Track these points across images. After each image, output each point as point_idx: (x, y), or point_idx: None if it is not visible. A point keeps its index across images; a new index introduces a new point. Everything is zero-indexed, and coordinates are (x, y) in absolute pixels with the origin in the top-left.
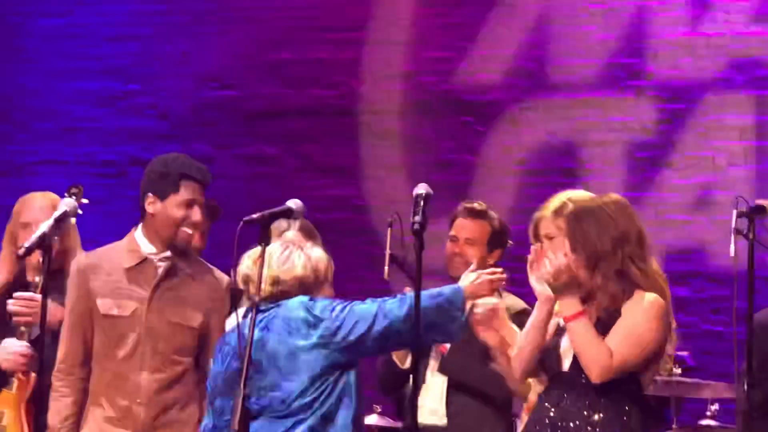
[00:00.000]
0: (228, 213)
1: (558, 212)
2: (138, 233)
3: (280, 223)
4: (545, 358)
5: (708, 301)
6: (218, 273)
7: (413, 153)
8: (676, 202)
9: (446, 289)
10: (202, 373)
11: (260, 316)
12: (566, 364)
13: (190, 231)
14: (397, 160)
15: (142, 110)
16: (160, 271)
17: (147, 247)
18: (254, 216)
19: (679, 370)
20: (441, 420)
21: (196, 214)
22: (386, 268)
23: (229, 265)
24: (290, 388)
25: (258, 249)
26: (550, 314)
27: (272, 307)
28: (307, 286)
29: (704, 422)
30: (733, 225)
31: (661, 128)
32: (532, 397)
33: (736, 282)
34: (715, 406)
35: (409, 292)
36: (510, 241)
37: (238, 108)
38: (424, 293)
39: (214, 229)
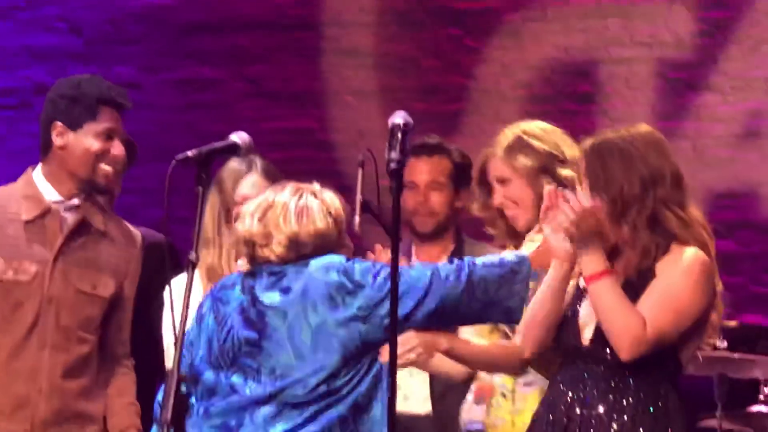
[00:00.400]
0: (157, 151)
1: (512, 149)
2: (37, 175)
3: (237, 167)
4: (560, 329)
5: (759, 257)
6: (131, 228)
7: (389, 75)
8: (719, 134)
9: (508, 256)
10: (108, 356)
11: (264, 279)
12: (587, 336)
13: (110, 168)
14: (369, 85)
15: (48, 24)
16: (68, 224)
17: (50, 194)
18: (189, 153)
19: (724, 344)
20: (424, 406)
21: (118, 147)
22: (357, 218)
23: (158, 216)
24: (314, 368)
25: (261, 200)
26: (569, 274)
27: (286, 269)
28: (329, 242)
29: (755, 408)
30: None
31: (700, 42)
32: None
33: None
34: None
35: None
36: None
37: (170, 21)
38: (480, 261)
39: (141, 173)
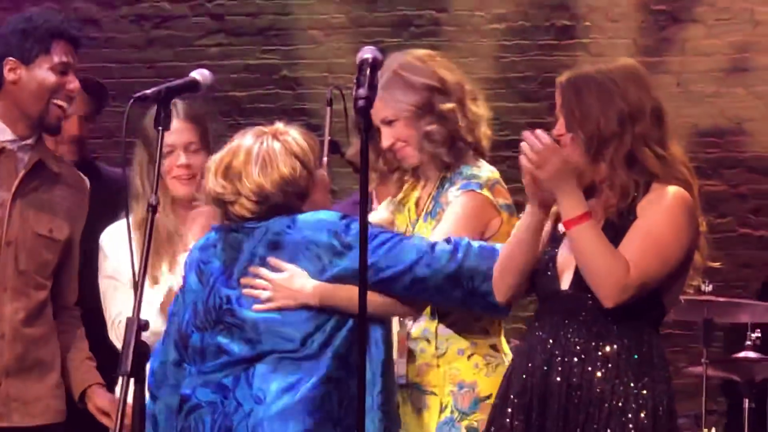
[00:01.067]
0: (116, 89)
1: (389, 88)
2: None
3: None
4: (537, 274)
5: (747, 197)
6: (79, 173)
7: (359, 8)
8: (704, 68)
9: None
10: (59, 303)
11: (251, 236)
12: (566, 282)
13: (64, 104)
14: (337, 19)
15: None
16: (23, 165)
17: (4, 133)
18: (148, 92)
19: (709, 287)
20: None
21: (73, 81)
22: (325, 158)
23: (117, 156)
24: (298, 323)
25: (223, 154)
26: (543, 219)
27: (271, 224)
28: (299, 186)
29: (742, 354)
30: None
31: None
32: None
33: None
34: (756, 334)
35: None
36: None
37: None
38: (476, 246)
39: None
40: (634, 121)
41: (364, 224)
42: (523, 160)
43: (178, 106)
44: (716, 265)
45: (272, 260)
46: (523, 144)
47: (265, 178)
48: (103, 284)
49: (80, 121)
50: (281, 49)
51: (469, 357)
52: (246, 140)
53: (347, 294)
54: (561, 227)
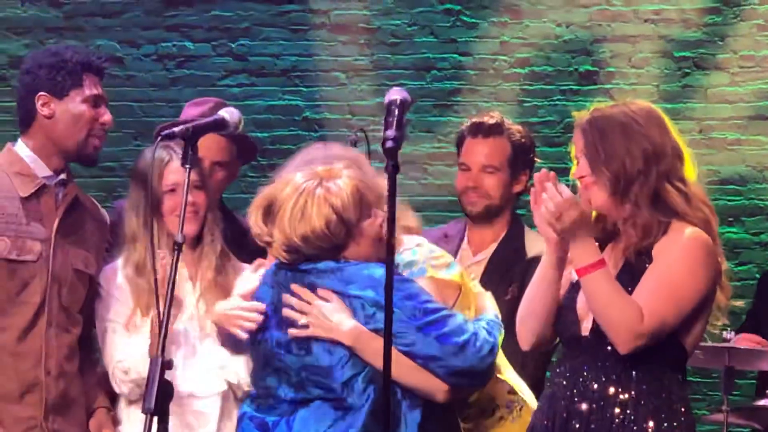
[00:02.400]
0: (138, 128)
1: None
2: (23, 149)
3: (158, 157)
4: (558, 320)
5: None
6: (98, 205)
7: (382, 51)
8: (727, 116)
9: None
10: (85, 338)
11: (291, 273)
12: (586, 327)
13: (100, 136)
14: (360, 61)
15: None
16: (62, 201)
17: (41, 169)
18: (176, 129)
19: (731, 334)
20: None
21: (106, 113)
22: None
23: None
24: (338, 369)
25: (267, 194)
26: (562, 262)
27: (320, 267)
28: (333, 240)
29: (763, 402)
30: None
31: (707, 19)
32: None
33: None
34: None
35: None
36: (537, 159)
37: None
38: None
39: (121, 151)
40: (658, 160)
41: (390, 265)
42: (540, 210)
43: (175, 148)
44: (739, 303)
45: (321, 291)
46: (544, 195)
47: (295, 231)
48: (101, 326)
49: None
50: (304, 90)
51: (492, 412)
52: (296, 179)
53: (380, 348)
54: (574, 274)
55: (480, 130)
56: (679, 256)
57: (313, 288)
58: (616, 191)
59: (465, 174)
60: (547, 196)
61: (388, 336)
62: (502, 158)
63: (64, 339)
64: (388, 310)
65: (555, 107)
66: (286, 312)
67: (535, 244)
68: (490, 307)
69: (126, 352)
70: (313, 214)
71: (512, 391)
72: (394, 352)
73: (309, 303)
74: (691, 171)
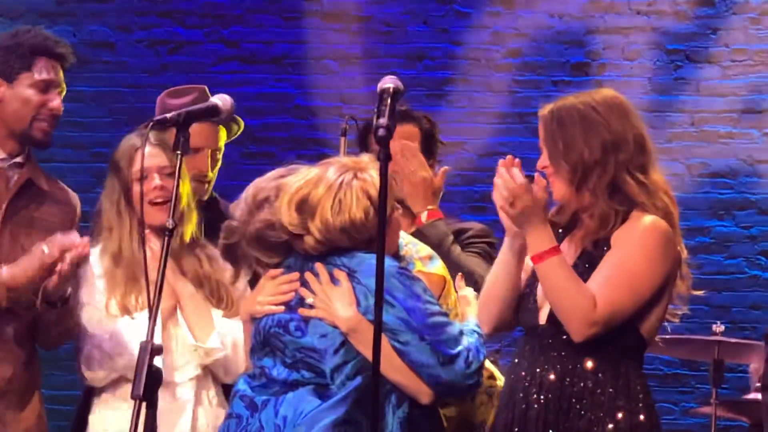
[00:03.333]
0: (129, 114)
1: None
2: None
3: (129, 144)
4: (520, 308)
5: (758, 239)
6: (69, 190)
7: (374, 40)
8: (719, 109)
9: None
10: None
11: (315, 265)
12: (543, 316)
13: (46, 122)
14: (352, 49)
15: None
16: (13, 183)
17: None
18: (168, 115)
19: (721, 328)
20: None
21: (55, 100)
22: None
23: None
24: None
25: (300, 183)
26: (523, 249)
27: (332, 258)
28: (367, 230)
29: (751, 396)
30: None
31: (699, 12)
32: None
33: None
34: None
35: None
36: (442, 142)
37: None
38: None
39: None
40: (616, 150)
41: (382, 257)
42: (495, 195)
43: (149, 135)
44: (699, 293)
45: (337, 272)
46: (496, 179)
47: (335, 220)
48: (85, 311)
49: (213, 155)
50: (295, 78)
51: (472, 398)
52: (329, 174)
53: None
54: (529, 262)
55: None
56: (636, 243)
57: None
58: (575, 181)
59: None
60: (501, 182)
61: (378, 326)
62: (415, 143)
63: (10, 321)
64: (378, 299)
65: (547, 98)
66: (302, 290)
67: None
68: (471, 315)
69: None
70: (353, 205)
71: (492, 377)
72: (387, 348)
73: (321, 284)
74: (654, 159)
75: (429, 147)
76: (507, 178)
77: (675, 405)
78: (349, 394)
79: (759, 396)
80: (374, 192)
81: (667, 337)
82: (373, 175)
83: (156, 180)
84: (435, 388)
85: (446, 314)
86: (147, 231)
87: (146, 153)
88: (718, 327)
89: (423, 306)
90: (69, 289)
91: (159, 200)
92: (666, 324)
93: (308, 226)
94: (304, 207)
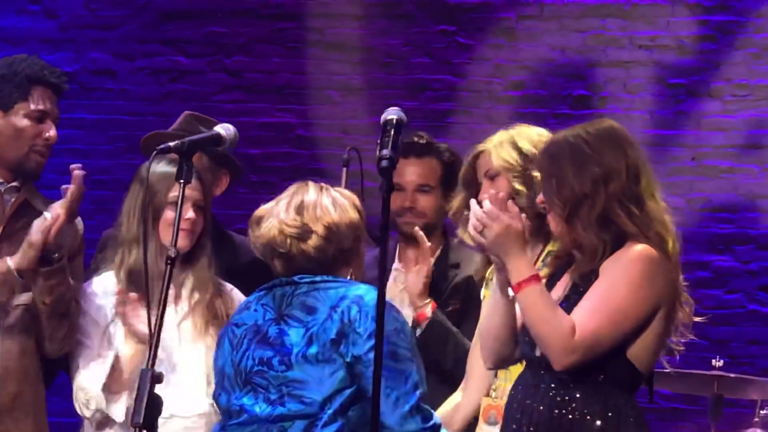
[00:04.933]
0: (130, 142)
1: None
2: None
3: (169, 170)
4: (521, 338)
5: (757, 274)
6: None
7: (376, 71)
8: (720, 143)
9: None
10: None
11: (293, 297)
12: (539, 347)
13: (42, 152)
14: (354, 80)
15: (21, 6)
16: (9, 205)
17: None
18: (171, 144)
19: (720, 362)
20: None
21: (50, 130)
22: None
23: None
24: (321, 387)
25: (288, 197)
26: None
27: (315, 287)
28: (360, 235)
29: (750, 431)
30: None
31: (701, 47)
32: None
33: None
34: (765, 411)
35: None
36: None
37: (148, 6)
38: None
39: (113, 164)
40: (607, 182)
41: (383, 287)
42: (468, 227)
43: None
44: (699, 319)
45: None
46: (470, 212)
47: (341, 218)
48: (78, 346)
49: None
50: (297, 108)
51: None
52: (310, 190)
53: None
54: (510, 292)
55: (412, 150)
56: (620, 271)
57: (305, 306)
58: (567, 216)
59: (399, 194)
60: (471, 212)
61: (378, 360)
62: (435, 177)
63: (12, 341)
64: (379, 333)
65: (548, 131)
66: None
67: (469, 258)
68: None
69: (88, 381)
70: (349, 209)
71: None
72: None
73: None
74: (652, 188)
75: (449, 181)
76: (476, 208)
77: None
78: (340, 427)
79: (757, 431)
80: (359, 204)
81: (666, 371)
82: (346, 192)
83: (190, 212)
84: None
85: (413, 364)
86: (161, 253)
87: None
88: (717, 362)
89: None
90: (66, 245)
91: (186, 230)
92: (668, 357)
93: (310, 226)
94: (304, 208)
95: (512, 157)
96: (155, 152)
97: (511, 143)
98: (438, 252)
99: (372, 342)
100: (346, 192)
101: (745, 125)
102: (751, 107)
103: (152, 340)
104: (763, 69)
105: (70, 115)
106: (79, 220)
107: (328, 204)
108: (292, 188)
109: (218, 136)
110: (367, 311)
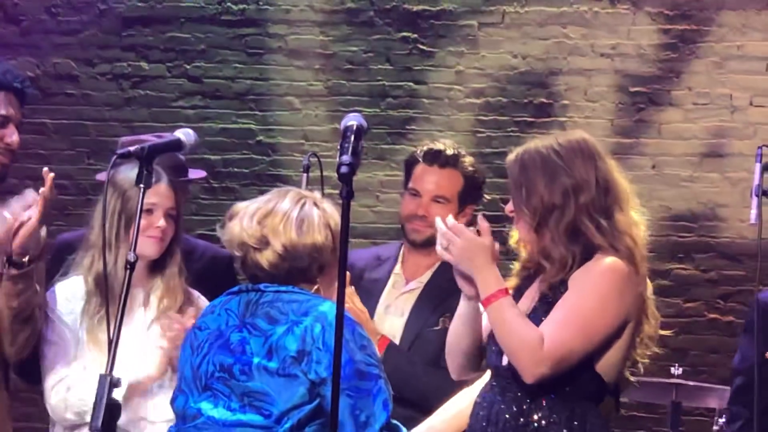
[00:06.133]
0: (91, 147)
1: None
2: None
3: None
4: (489, 348)
5: (717, 282)
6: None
7: (336, 75)
8: (680, 152)
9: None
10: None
11: (257, 305)
12: (505, 358)
13: (4, 160)
14: (316, 86)
15: None
16: None
17: None
18: (131, 149)
19: (679, 371)
20: None
21: (13, 135)
22: None
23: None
24: (283, 398)
25: (261, 203)
26: (475, 301)
27: (280, 297)
28: (324, 257)
29: None
30: (756, 182)
31: (662, 55)
32: None
33: (760, 258)
34: (722, 419)
35: None
36: (487, 193)
37: (110, 12)
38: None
39: (75, 170)
40: (577, 193)
41: (342, 300)
42: (437, 246)
43: (165, 172)
44: (665, 333)
45: None
46: (436, 228)
47: (300, 239)
48: (49, 349)
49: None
50: (258, 114)
51: None
52: (287, 200)
53: None
54: (481, 307)
55: (437, 159)
56: (590, 284)
57: (267, 316)
58: (536, 227)
59: (414, 200)
60: (437, 229)
61: (336, 376)
62: (454, 190)
63: None
64: (337, 347)
65: (509, 138)
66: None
67: None
68: None
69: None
70: (315, 229)
71: None
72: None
73: None
74: (622, 201)
75: (467, 195)
76: (440, 225)
77: None
78: None
79: None
80: (333, 223)
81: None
82: (330, 208)
83: (161, 220)
84: None
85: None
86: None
87: (160, 191)
88: (676, 370)
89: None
90: (32, 249)
91: (157, 238)
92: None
93: (269, 240)
94: (267, 221)
95: None
96: (115, 157)
97: None
98: (438, 264)
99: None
100: (329, 209)
101: (705, 134)
102: (712, 116)
103: (111, 346)
104: (724, 78)
105: (31, 120)
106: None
107: (293, 221)
108: (272, 193)
109: (178, 141)
110: (332, 329)
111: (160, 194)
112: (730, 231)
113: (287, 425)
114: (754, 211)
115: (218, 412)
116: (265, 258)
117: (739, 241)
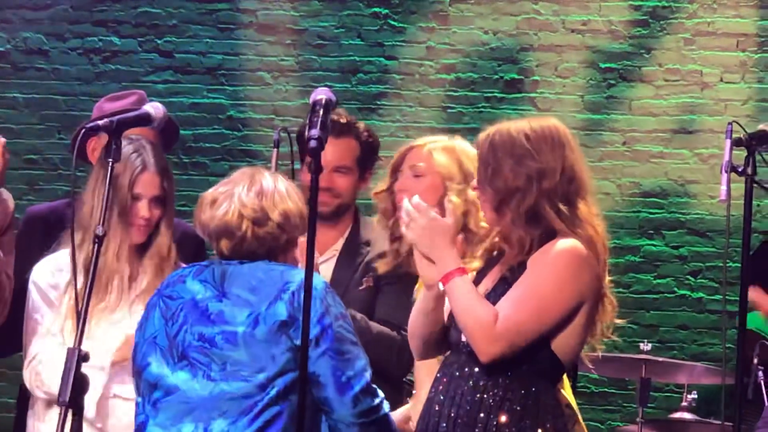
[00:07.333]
0: (62, 122)
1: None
2: None
3: (132, 164)
4: (450, 326)
5: (687, 259)
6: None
7: (308, 53)
8: (650, 128)
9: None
10: None
11: (236, 276)
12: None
13: None
14: (286, 62)
15: None
16: None
17: None
18: (99, 122)
19: (648, 347)
20: None
21: None
22: None
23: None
24: (264, 367)
25: (248, 176)
26: (435, 286)
27: (258, 265)
28: (297, 231)
29: (677, 415)
30: (726, 159)
31: (634, 31)
32: None
33: (729, 235)
34: (692, 395)
35: None
36: (380, 158)
37: None
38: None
39: (45, 145)
40: (541, 179)
41: (310, 271)
42: (401, 224)
43: (152, 157)
44: (620, 322)
45: None
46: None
47: (294, 206)
48: (29, 323)
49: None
50: (228, 89)
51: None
52: (266, 175)
53: None
54: (440, 285)
55: (332, 129)
56: (547, 264)
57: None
58: (497, 207)
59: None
60: (402, 208)
61: (304, 346)
62: (353, 158)
63: None
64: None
65: (480, 114)
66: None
67: (380, 235)
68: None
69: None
70: (297, 199)
71: (569, 406)
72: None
73: None
74: (584, 192)
75: (366, 161)
76: (405, 203)
77: (601, 423)
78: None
79: (684, 415)
80: (303, 198)
81: (594, 354)
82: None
83: (145, 210)
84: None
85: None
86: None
87: (145, 179)
88: (646, 346)
89: (340, 324)
90: None
91: (143, 227)
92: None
93: (268, 213)
94: (264, 194)
95: (453, 168)
96: (83, 130)
97: (454, 156)
98: (349, 230)
99: (320, 326)
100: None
101: (676, 110)
102: (683, 92)
103: (80, 320)
104: (695, 54)
105: (1, 94)
106: (8, 195)
107: (283, 192)
108: (246, 172)
109: (147, 114)
110: (315, 295)
111: (145, 183)
112: (700, 207)
113: (272, 392)
114: (723, 188)
115: (198, 384)
116: (265, 230)
117: (709, 217)
